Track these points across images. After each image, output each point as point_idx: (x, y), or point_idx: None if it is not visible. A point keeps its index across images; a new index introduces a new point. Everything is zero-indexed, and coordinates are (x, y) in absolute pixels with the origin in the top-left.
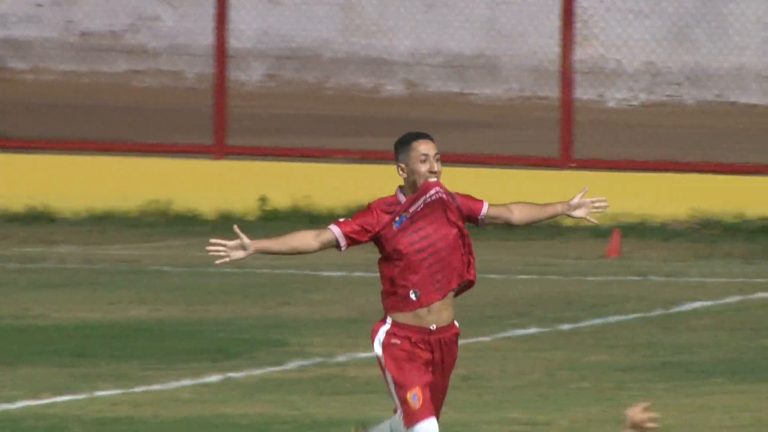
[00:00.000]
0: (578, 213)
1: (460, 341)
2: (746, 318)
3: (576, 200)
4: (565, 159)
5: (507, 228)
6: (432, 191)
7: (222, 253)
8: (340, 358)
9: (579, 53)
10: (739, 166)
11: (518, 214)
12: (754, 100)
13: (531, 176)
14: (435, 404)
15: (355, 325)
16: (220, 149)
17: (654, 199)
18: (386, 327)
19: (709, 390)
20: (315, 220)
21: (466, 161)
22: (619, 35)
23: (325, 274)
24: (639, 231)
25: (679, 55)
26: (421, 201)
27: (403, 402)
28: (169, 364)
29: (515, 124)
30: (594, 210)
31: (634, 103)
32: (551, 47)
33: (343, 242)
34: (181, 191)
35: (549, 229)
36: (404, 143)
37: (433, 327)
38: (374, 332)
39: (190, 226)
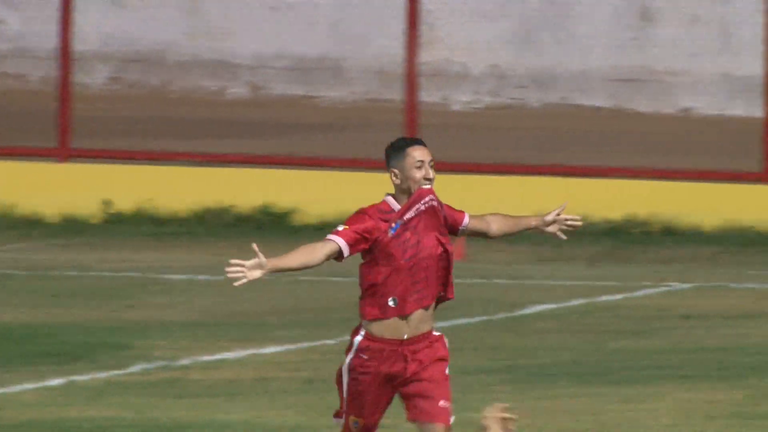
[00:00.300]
0: (550, 228)
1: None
2: (590, 321)
3: (550, 217)
4: None
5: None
6: (426, 198)
7: (240, 275)
8: (184, 362)
9: (424, 56)
10: (584, 169)
11: (495, 227)
12: (598, 103)
13: (376, 179)
14: (436, 401)
15: (199, 328)
16: (64, 152)
17: (499, 202)
18: (359, 338)
19: (554, 393)
20: (159, 223)
21: (311, 164)
22: (464, 38)
23: (168, 276)
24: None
25: (525, 57)
26: (415, 208)
27: (345, 422)
28: (11, 368)
29: (359, 126)
30: (565, 227)
31: (479, 105)
32: (396, 50)
33: (346, 253)
34: (24, 194)
35: None
36: (398, 149)
37: (406, 336)
38: (350, 345)
39: (33, 229)
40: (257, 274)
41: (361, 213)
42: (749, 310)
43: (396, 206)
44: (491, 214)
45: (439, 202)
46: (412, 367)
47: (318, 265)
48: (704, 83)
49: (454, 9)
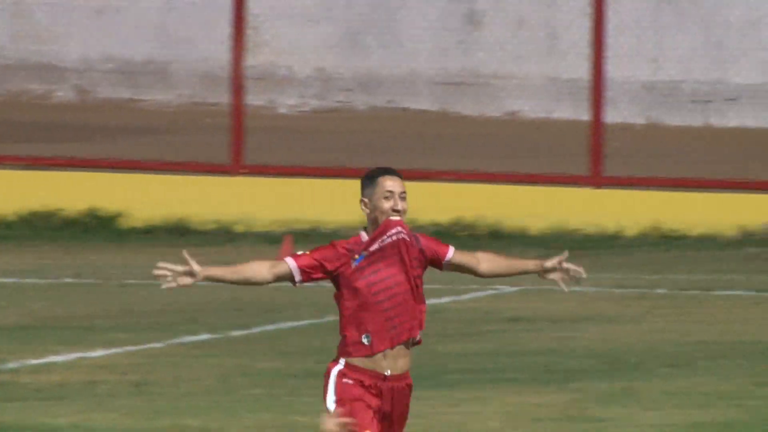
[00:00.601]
0: (551, 276)
1: None
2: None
3: (550, 264)
4: (236, 165)
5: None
6: (393, 230)
7: (169, 277)
8: (12, 365)
9: (250, 59)
10: (410, 172)
11: (485, 266)
12: (425, 106)
13: (202, 182)
14: None
15: (27, 331)
16: None
17: (326, 205)
18: (338, 367)
19: None
20: None
21: (138, 167)
22: (290, 41)
23: None
24: (311, 237)
25: (351, 61)
26: (380, 240)
27: None
28: None
29: (186, 130)
30: (568, 278)
31: (306, 109)
32: (222, 53)
33: (298, 277)
34: None
35: (221, 235)
36: (370, 178)
37: (388, 373)
38: (327, 374)
39: None
40: (188, 281)
41: (330, 244)
42: (576, 313)
43: (366, 238)
44: (483, 252)
45: (412, 235)
46: (390, 408)
47: (265, 283)
48: (530, 86)
49: (279, 12)
